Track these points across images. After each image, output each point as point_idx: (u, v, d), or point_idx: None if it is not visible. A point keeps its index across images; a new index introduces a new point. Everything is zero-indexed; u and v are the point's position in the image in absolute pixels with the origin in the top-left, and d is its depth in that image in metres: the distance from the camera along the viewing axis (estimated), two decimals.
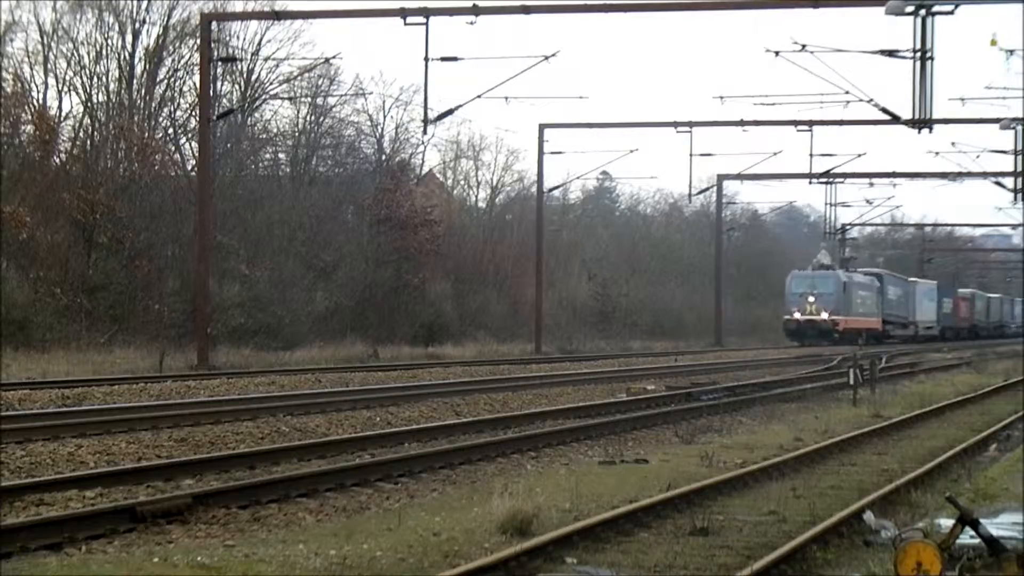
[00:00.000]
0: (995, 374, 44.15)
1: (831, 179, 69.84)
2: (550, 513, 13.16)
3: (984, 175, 61.70)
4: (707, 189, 78.27)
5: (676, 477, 16.18)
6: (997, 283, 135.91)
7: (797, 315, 74.86)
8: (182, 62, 53.29)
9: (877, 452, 20.51)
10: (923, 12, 35.20)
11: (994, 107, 78.29)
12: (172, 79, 53.54)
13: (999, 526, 11.93)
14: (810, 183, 68.70)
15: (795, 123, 54.34)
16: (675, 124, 57.93)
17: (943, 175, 66.77)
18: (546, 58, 41.53)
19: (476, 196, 76.19)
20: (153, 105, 52.85)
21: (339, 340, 48.27)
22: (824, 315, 74.26)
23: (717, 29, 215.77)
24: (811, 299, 74.82)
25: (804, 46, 39.74)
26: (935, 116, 37.73)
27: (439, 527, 12.55)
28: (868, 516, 13.01)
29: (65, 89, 51.09)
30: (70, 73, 51.02)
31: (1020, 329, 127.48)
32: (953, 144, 59.18)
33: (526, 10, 36.40)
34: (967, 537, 10.34)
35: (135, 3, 51.90)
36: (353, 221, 59.54)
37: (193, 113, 51.04)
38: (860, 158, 65.11)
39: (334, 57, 53.04)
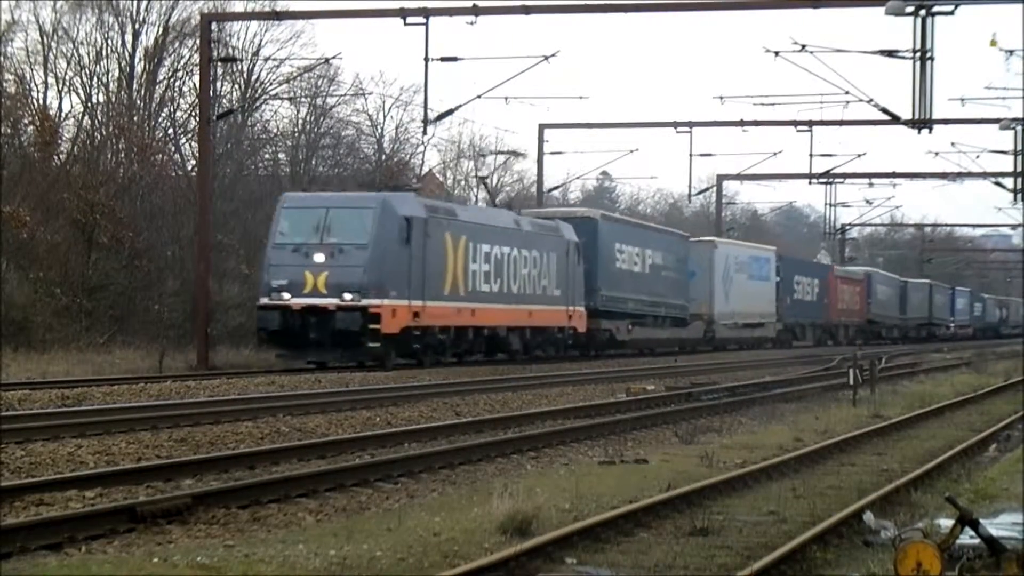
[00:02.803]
0: (995, 374, 44.13)
1: (831, 179, 69.91)
2: (550, 513, 13.15)
3: (984, 175, 61.79)
4: (707, 189, 78.37)
5: (676, 477, 16.18)
6: (997, 283, 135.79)
7: (286, 295, 34.76)
8: (182, 62, 53.35)
9: (877, 452, 20.50)
10: (923, 12, 35.24)
11: (994, 107, 78.50)
12: (172, 79, 53.60)
13: (999, 526, 11.94)
14: (810, 183, 68.81)
15: (795, 123, 54.47)
16: (675, 124, 58.02)
17: (943, 175, 66.88)
18: (546, 58, 41.59)
19: (476, 196, 76.21)
20: (153, 105, 52.88)
21: None
22: (347, 296, 34.47)
23: (717, 29, 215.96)
24: (318, 258, 34.87)
25: (804, 46, 39.83)
26: (935, 116, 37.81)
27: (439, 527, 12.55)
28: (868, 516, 13.01)
29: (65, 89, 51.13)
30: (70, 73, 51.07)
31: (962, 331, 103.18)
32: (953, 144, 59.36)
33: (526, 10, 36.43)
34: (967, 537, 10.35)
35: (135, 3, 51.95)
36: None
37: (193, 113, 51.04)
38: (860, 158, 65.30)
39: (334, 57, 53.04)
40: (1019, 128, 49.85)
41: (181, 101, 53.95)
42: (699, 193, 76.78)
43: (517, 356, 41.63)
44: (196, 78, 47.51)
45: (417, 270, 35.85)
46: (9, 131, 45.38)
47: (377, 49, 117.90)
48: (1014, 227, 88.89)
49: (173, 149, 53.12)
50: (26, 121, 47.21)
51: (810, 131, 57.31)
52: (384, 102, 65.09)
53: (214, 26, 42.98)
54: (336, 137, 62.23)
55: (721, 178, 76.25)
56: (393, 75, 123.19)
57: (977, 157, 62.21)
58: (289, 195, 38.11)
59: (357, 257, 34.84)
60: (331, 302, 34.55)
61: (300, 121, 60.48)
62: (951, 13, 35.38)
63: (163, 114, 53.58)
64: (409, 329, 35.61)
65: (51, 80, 50.86)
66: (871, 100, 41.31)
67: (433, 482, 16.15)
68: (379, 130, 66.18)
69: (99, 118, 49.88)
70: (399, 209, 35.80)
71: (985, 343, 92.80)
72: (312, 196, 38.28)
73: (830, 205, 77.19)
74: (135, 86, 52.07)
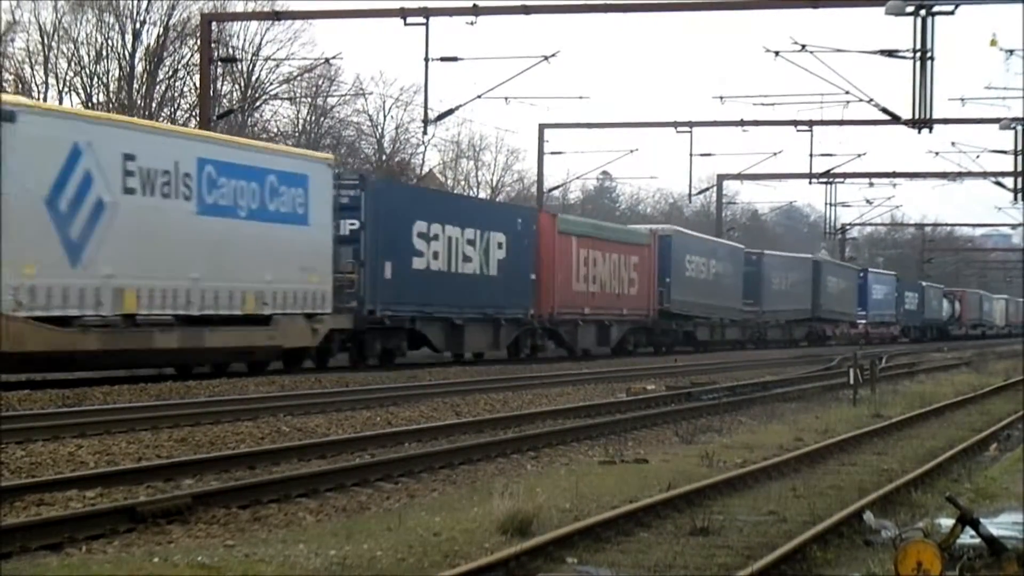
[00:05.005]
0: (995, 374, 44.13)
1: (831, 179, 70.01)
2: (550, 513, 13.14)
3: (984, 175, 61.90)
4: (707, 189, 78.45)
5: (676, 477, 16.16)
6: (998, 283, 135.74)
7: None
8: (182, 62, 53.47)
9: (877, 452, 20.49)
10: (923, 12, 35.26)
11: (994, 107, 78.61)
12: (172, 79, 53.67)
13: (999, 526, 11.93)
14: (810, 183, 68.92)
15: (795, 123, 54.58)
16: (675, 124, 58.07)
17: (943, 175, 67.01)
18: (546, 58, 41.68)
19: (476, 196, 76.27)
20: (153, 105, 52.91)
21: None
22: None
23: (717, 29, 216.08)
24: None
25: (804, 46, 39.88)
26: (935, 116, 37.87)
27: (439, 527, 12.54)
28: (868, 516, 13.01)
29: (66, 89, 51.19)
30: (70, 73, 51.12)
31: (878, 331, 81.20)
32: (953, 144, 59.51)
33: (526, 10, 36.45)
34: (967, 537, 10.35)
35: (135, 3, 51.99)
36: None
37: (193, 113, 51.08)
38: (860, 158, 65.44)
39: (334, 57, 53.10)
40: (1019, 128, 49.91)
41: (181, 101, 54.03)
42: (699, 193, 76.89)
43: None
44: (196, 78, 47.56)
45: None
46: None
47: (377, 49, 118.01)
48: (1014, 227, 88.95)
49: None
50: None
51: (810, 131, 57.45)
52: (384, 102, 65.18)
53: (214, 26, 43.01)
54: (336, 137, 62.28)
55: (721, 178, 76.31)
56: (393, 75, 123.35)
57: (977, 157, 62.37)
58: None
59: None
60: None
61: (300, 121, 60.54)
62: (951, 13, 35.41)
63: (163, 114, 53.60)
64: None
65: (52, 80, 50.93)
66: (871, 100, 41.36)
67: (433, 482, 16.15)
68: (379, 130, 66.29)
69: None
70: None
71: (935, 346, 74.95)
72: None
73: (830, 205, 77.35)
74: (135, 86, 52.12)
